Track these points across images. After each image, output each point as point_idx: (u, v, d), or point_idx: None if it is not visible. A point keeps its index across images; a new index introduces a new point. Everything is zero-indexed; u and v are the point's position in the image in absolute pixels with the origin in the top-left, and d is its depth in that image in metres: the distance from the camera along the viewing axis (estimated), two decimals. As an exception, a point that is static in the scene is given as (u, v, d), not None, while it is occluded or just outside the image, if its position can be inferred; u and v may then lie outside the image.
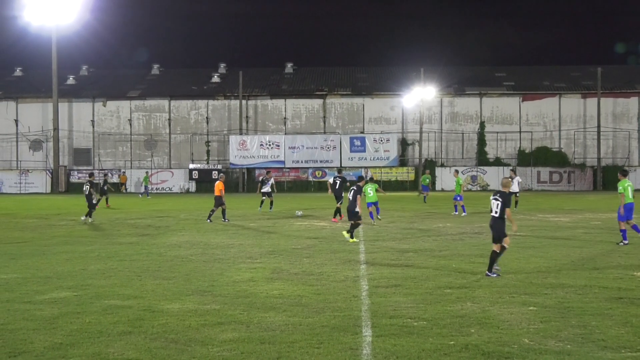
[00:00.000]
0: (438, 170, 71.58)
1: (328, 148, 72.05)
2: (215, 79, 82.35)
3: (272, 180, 37.53)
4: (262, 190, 36.99)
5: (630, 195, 20.08)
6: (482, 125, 74.97)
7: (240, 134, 74.21)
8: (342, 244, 20.36)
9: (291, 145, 72.38)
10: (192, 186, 73.04)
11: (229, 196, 51.73)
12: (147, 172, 61.50)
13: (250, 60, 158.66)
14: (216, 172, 70.36)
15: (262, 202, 37.04)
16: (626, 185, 20.10)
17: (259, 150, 72.34)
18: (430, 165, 72.43)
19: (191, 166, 72.57)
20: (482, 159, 74.09)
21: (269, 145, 72.46)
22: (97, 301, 11.75)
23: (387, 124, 75.77)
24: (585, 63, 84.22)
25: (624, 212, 19.99)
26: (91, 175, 33.85)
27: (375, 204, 28.78)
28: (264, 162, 71.79)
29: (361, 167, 70.38)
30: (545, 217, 31.08)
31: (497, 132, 74.73)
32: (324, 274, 14.54)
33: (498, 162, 73.48)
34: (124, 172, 73.89)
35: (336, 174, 32.16)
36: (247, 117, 76.33)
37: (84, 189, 30.99)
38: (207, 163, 75.08)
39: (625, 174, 20.62)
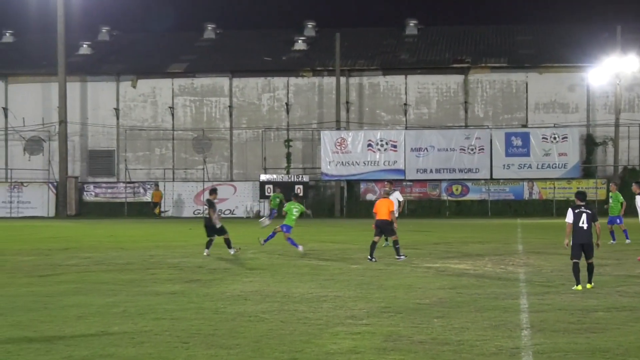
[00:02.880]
0: (644, 185, 70.17)
1: (472, 150, 71.42)
2: (300, 45, 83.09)
3: (396, 194, 36.68)
4: None
5: None
6: None
7: (338, 128, 74.70)
8: (492, 297, 20.16)
9: (415, 145, 72.12)
10: (265, 207, 73.07)
11: (319, 222, 51.91)
12: (278, 189, 59.39)
13: (351, 16, 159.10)
14: (300, 186, 70.36)
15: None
16: None
17: (366, 154, 72.44)
18: (632, 176, 71.11)
19: (263, 177, 73.00)
20: None
21: (382, 145, 72.33)
22: (123, 379, 12.00)
23: (564, 113, 74.83)
24: None
25: None
26: (212, 192, 34.55)
27: (289, 228, 33.29)
28: (373, 171, 72.01)
29: (522, 180, 69.69)
30: None
31: None
32: (465, 344, 14.46)
33: None
34: (157, 186, 74.51)
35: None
36: (347, 102, 76.74)
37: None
38: (287, 173, 75.45)
39: None
